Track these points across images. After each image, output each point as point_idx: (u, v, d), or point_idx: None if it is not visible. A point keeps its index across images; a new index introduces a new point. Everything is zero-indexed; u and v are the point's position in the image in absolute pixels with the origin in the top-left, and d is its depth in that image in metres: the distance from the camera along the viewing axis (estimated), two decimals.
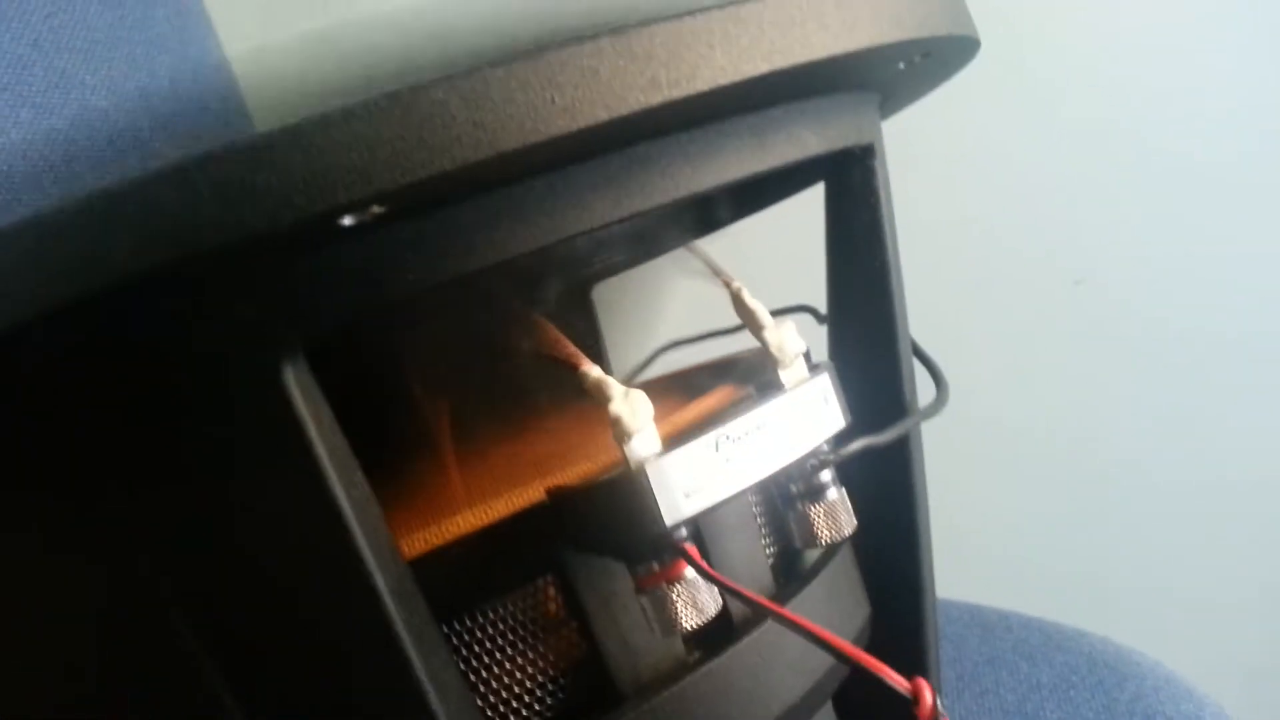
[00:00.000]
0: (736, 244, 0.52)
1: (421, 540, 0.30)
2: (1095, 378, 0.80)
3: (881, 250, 0.36)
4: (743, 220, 0.49)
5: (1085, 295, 0.79)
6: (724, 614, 0.33)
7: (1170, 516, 0.84)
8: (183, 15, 0.51)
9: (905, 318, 0.38)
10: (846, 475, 0.34)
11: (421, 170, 0.22)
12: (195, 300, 0.24)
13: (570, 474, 0.31)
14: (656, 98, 0.24)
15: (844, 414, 0.33)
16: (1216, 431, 0.82)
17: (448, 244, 0.25)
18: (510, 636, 0.32)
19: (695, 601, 0.29)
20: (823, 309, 0.41)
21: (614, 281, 0.57)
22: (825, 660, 0.35)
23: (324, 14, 0.58)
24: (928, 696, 0.25)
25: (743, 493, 0.29)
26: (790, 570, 0.38)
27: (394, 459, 0.36)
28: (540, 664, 0.32)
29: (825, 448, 0.32)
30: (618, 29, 0.23)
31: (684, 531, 0.29)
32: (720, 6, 0.25)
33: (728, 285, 0.33)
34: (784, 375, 0.32)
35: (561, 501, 0.30)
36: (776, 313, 0.44)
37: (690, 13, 0.24)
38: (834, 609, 0.36)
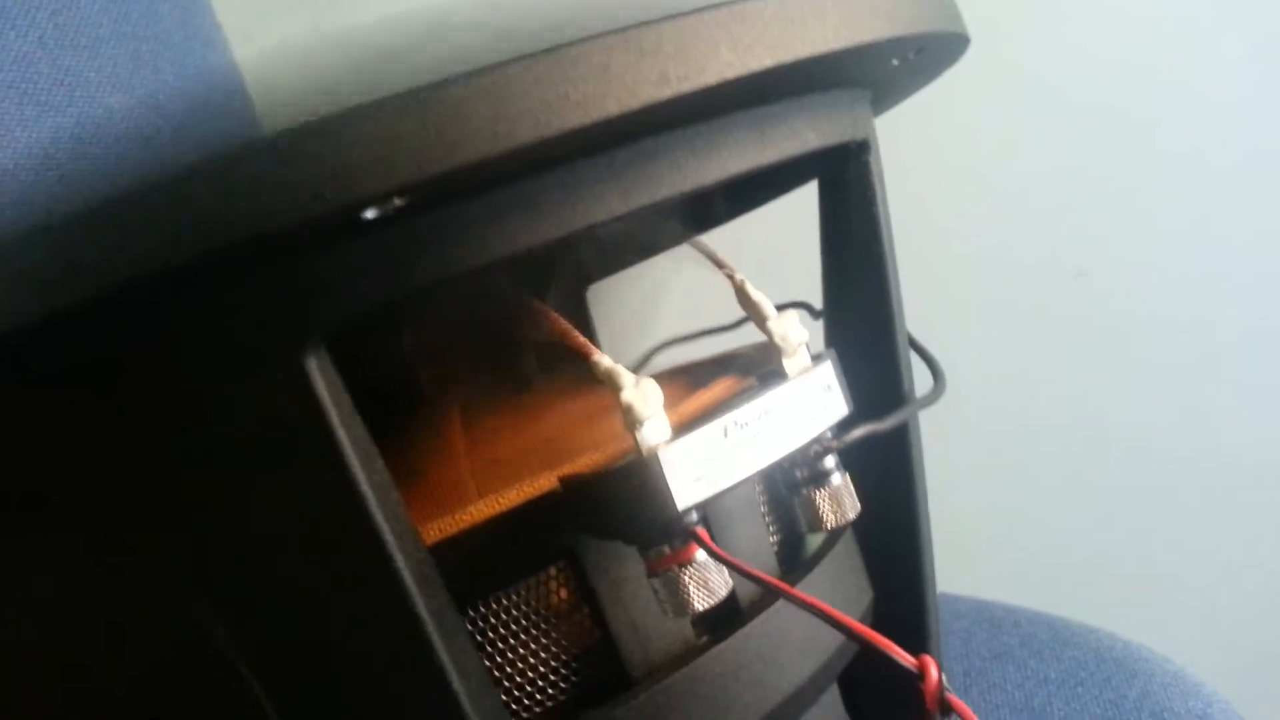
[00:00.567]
0: (729, 241, 0.53)
1: (437, 528, 0.31)
2: (1097, 370, 0.81)
3: (878, 244, 0.37)
4: (735, 219, 0.50)
5: (1087, 288, 0.80)
6: (731, 598, 0.34)
7: (1175, 509, 0.85)
8: (188, 13, 0.51)
9: (902, 309, 0.39)
10: (848, 463, 0.34)
11: (442, 163, 0.23)
12: (221, 293, 0.25)
13: (581, 462, 0.32)
14: (666, 92, 0.24)
15: (847, 401, 0.34)
16: (1221, 423, 0.83)
17: (464, 236, 0.26)
18: (524, 622, 0.33)
19: (707, 583, 0.30)
20: (816, 305, 0.42)
21: (608, 282, 0.57)
22: (832, 642, 0.35)
23: (331, 16, 0.59)
24: (933, 672, 0.25)
25: (751, 477, 0.30)
26: (793, 557, 0.38)
27: (403, 444, 0.37)
28: (553, 648, 0.33)
29: (829, 434, 0.33)
30: (627, 26, 0.24)
31: (694, 516, 0.30)
32: (725, 4, 0.26)
33: (730, 277, 0.34)
34: (788, 364, 0.33)
35: (574, 489, 0.31)
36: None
37: (697, 10, 0.25)
38: (838, 593, 0.37)
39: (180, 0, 0.51)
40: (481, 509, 0.31)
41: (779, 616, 0.34)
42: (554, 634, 0.33)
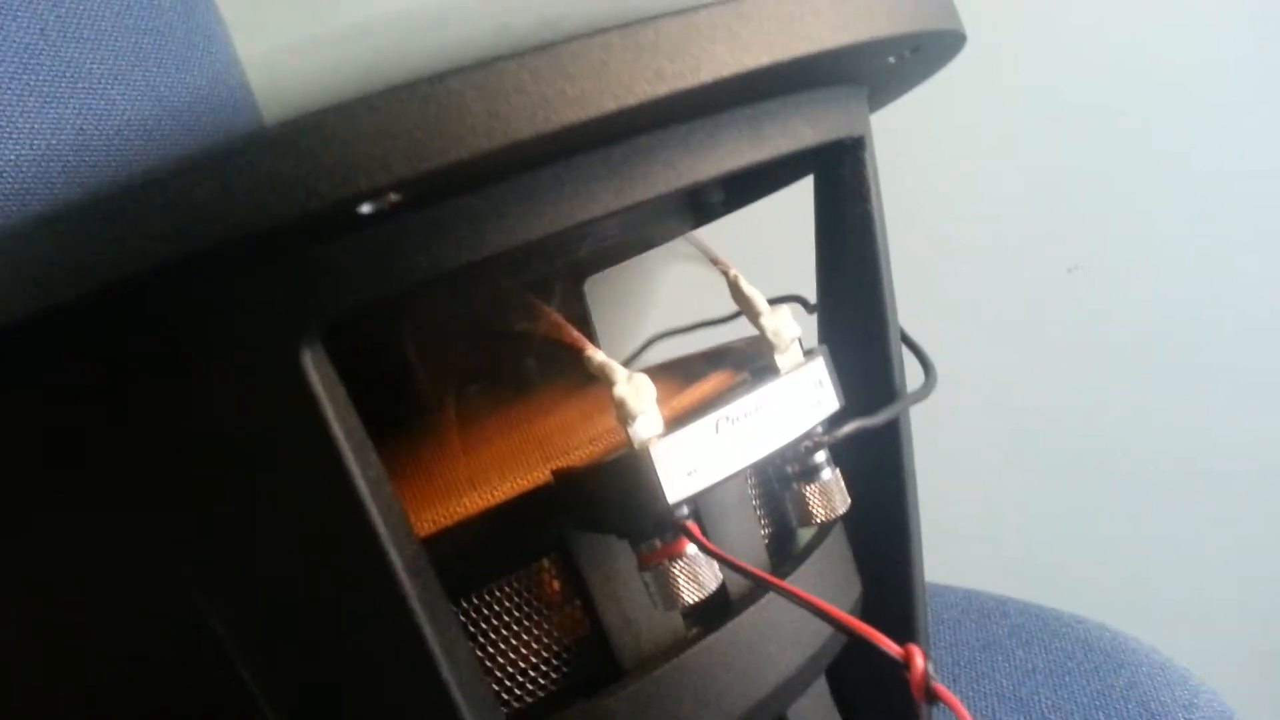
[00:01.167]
0: (723, 236, 0.53)
1: (430, 520, 0.31)
2: (1089, 364, 0.81)
3: (872, 240, 0.38)
4: (731, 213, 0.50)
5: (1078, 282, 0.80)
6: (721, 590, 0.34)
7: (1164, 502, 0.85)
8: (190, 7, 0.51)
9: (894, 306, 0.39)
10: (839, 458, 0.35)
11: (438, 158, 0.23)
12: (218, 287, 0.25)
13: (574, 455, 0.33)
14: (662, 89, 0.25)
15: (838, 397, 0.34)
16: (1210, 417, 0.83)
17: (459, 231, 0.26)
18: (516, 613, 0.33)
19: (696, 577, 0.30)
20: (810, 299, 0.42)
21: (605, 275, 0.58)
22: (820, 634, 0.36)
23: (332, 8, 0.59)
24: (919, 661, 0.26)
25: (742, 472, 0.30)
26: (783, 550, 0.39)
27: (400, 439, 0.37)
28: (544, 639, 0.33)
29: (820, 429, 0.33)
30: (625, 23, 0.24)
31: (685, 510, 0.30)
32: (722, 1, 0.26)
33: (725, 273, 0.34)
34: (780, 360, 0.33)
35: (566, 482, 0.31)
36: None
37: (694, 7, 0.25)
38: (826, 586, 0.37)
39: None
40: (475, 500, 0.31)
41: (768, 609, 0.35)
42: (545, 625, 0.33)
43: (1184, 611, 0.86)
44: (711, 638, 0.33)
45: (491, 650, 0.33)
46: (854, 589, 0.39)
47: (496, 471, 0.32)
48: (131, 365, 0.26)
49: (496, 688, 0.33)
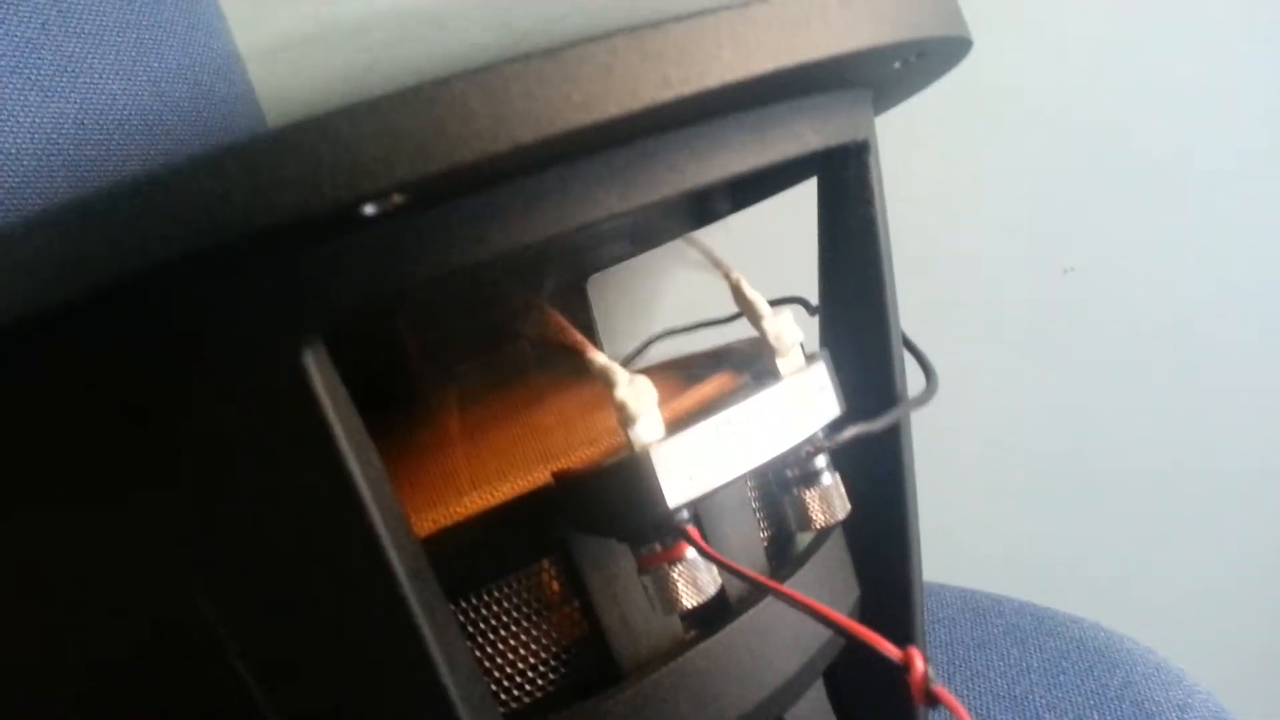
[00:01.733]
0: (727, 236, 0.53)
1: (430, 520, 0.31)
2: (1084, 365, 0.82)
3: (875, 244, 0.38)
4: (735, 214, 0.50)
5: (1074, 283, 0.80)
6: (721, 593, 0.34)
7: (1160, 502, 0.85)
8: (191, 1, 0.51)
9: (896, 310, 0.39)
10: (839, 461, 0.35)
11: (443, 161, 0.23)
12: (219, 286, 0.25)
13: (575, 457, 0.33)
14: (667, 94, 0.25)
15: (839, 402, 0.34)
16: (1206, 417, 0.84)
17: (462, 232, 0.26)
18: (515, 614, 0.33)
19: (695, 581, 0.30)
20: (812, 300, 0.42)
21: (608, 273, 0.58)
22: (818, 637, 0.36)
23: (334, 10, 0.59)
24: (919, 664, 0.26)
25: (743, 477, 0.30)
26: (783, 553, 0.39)
27: (400, 433, 0.37)
28: (543, 640, 0.33)
29: (820, 434, 0.33)
30: (632, 27, 0.24)
31: (685, 514, 0.30)
32: (728, 7, 0.26)
33: (727, 276, 0.34)
34: (781, 364, 0.33)
35: (567, 484, 0.31)
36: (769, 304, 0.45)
37: (700, 13, 0.25)
38: (825, 589, 0.37)
39: None
40: (474, 501, 0.31)
41: (767, 612, 0.35)
42: (544, 626, 0.33)
43: (1181, 612, 0.87)
44: (710, 641, 0.33)
45: (489, 650, 0.33)
46: (852, 592, 0.39)
47: (496, 470, 0.32)
48: (132, 364, 0.26)
49: (494, 688, 0.33)
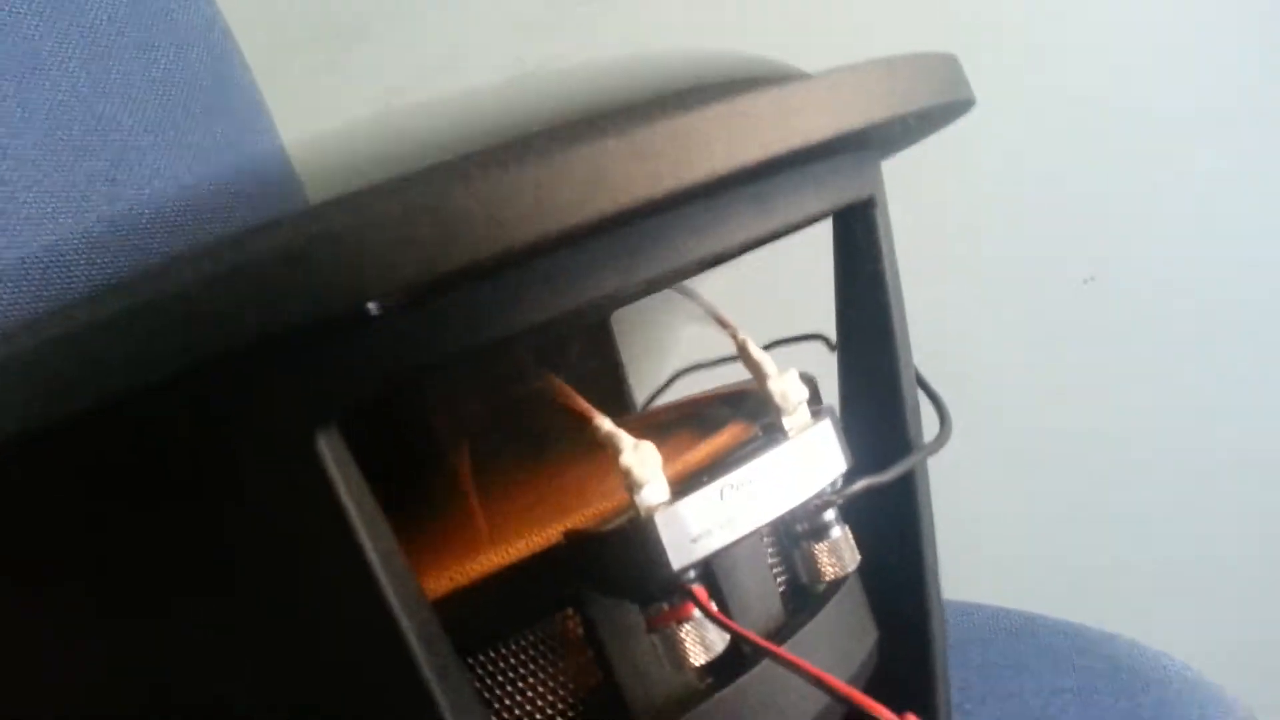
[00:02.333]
0: (750, 269, 0.54)
1: (447, 579, 0.32)
2: (1108, 373, 0.81)
3: (883, 295, 0.38)
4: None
5: (1095, 293, 0.80)
6: (734, 644, 0.35)
7: (1191, 511, 0.85)
8: (217, 59, 0.53)
9: (909, 357, 0.40)
10: (855, 509, 0.36)
11: (444, 265, 0.24)
12: (235, 387, 0.26)
13: (587, 514, 0.33)
14: (659, 189, 0.25)
15: (845, 458, 0.35)
16: (1233, 424, 0.83)
17: (466, 321, 0.27)
18: (531, 666, 0.34)
19: (703, 640, 0.31)
20: (833, 337, 0.43)
21: (632, 308, 0.58)
22: None
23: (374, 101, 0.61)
24: None
25: (747, 537, 0.31)
26: (802, 597, 0.39)
27: (422, 497, 0.38)
28: (559, 691, 0.34)
29: (828, 489, 0.34)
30: (622, 128, 0.25)
31: (692, 574, 0.31)
32: (721, 98, 0.27)
33: (734, 336, 0.35)
34: (787, 422, 0.34)
35: (577, 543, 0.32)
36: (788, 341, 0.46)
37: (691, 108, 0.26)
38: (840, 637, 0.38)
39: (209, 47, 0.52)
40: (489, 560, 0.32)
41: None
42: (559, 678, 0.34)
43: (1218, 625, 0.86)
44: (725, 691, 0.34)
45: (507, 701, 0.34)
46: (869, 635, 0.40)
47: (512, 530, 0.33)
48: (149, 467, 0.27)
49: None
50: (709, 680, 0.35)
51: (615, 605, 0.34)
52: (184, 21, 0.53)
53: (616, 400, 0.53)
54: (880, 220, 0.38)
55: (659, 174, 0.25)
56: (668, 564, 0.30)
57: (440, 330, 0.27)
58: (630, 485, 0.30)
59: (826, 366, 0.43)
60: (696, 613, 0.31)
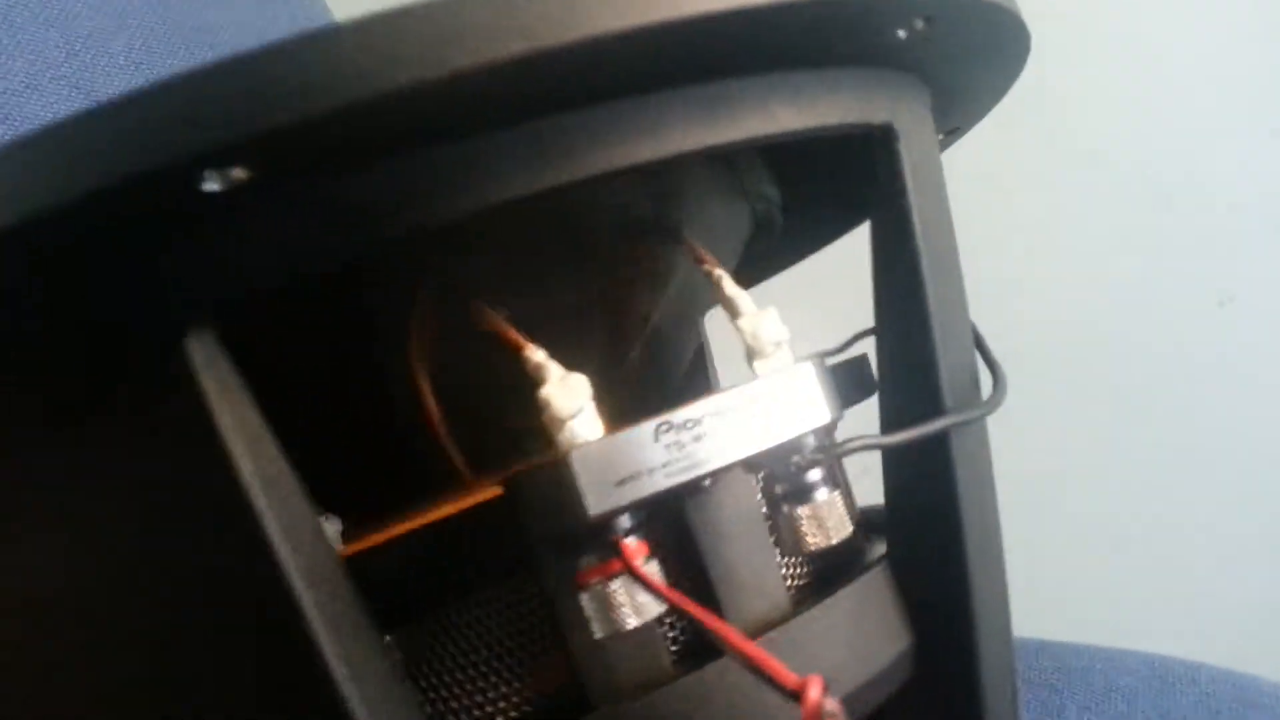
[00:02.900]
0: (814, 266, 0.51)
1: (368, 539, 0.29)
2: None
3: (911, 244, 0.33)
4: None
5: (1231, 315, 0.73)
6: None
7: None
8: None
9: (951, 312, 0.35)
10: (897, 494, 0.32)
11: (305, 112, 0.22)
12: (93, 266, 0.25)
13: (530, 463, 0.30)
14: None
15: (832, 408, 0.30)
16: None
17: (357, 210, 0.25)
18: (476, 640, 0.31)
19: (634, 601, 0.27)
20: None
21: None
22: (843, 676, 0.32)
23: None
24: (814, 692, 0.22)
25: (690, 484, 0.27)
26: (824, 586, 0.35)
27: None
28: (505, 672, 0.31)
29: (812, 443, 0.30)
30: None
31: (627, 522, 0.27)
32: None
33: (710, 272, 0.32)
34: (759, 366, 0.30)
35: (513, 492, 0.29)
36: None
37: None
38: (852, 635, 0.33)
39: None
40: (419, 517, 0.30)
41: (773, 646, 0.31)
42: (508, 655, 0.31)
43: None
44: (693, 676, 0.30)
45: (455, 676, 0.31)
46: (897, 641, 0.34)
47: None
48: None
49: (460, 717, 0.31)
50: (677, 665, 0.31)
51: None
52: None
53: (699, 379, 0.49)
54: (906, 153, 0.33)
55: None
56: (585, 509, 0.26)
57: (324, 220, 0.24)
58: (551, 421, 0.27)
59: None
60: (640, 564, 0.28)
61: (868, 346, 0.39)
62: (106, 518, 0.27)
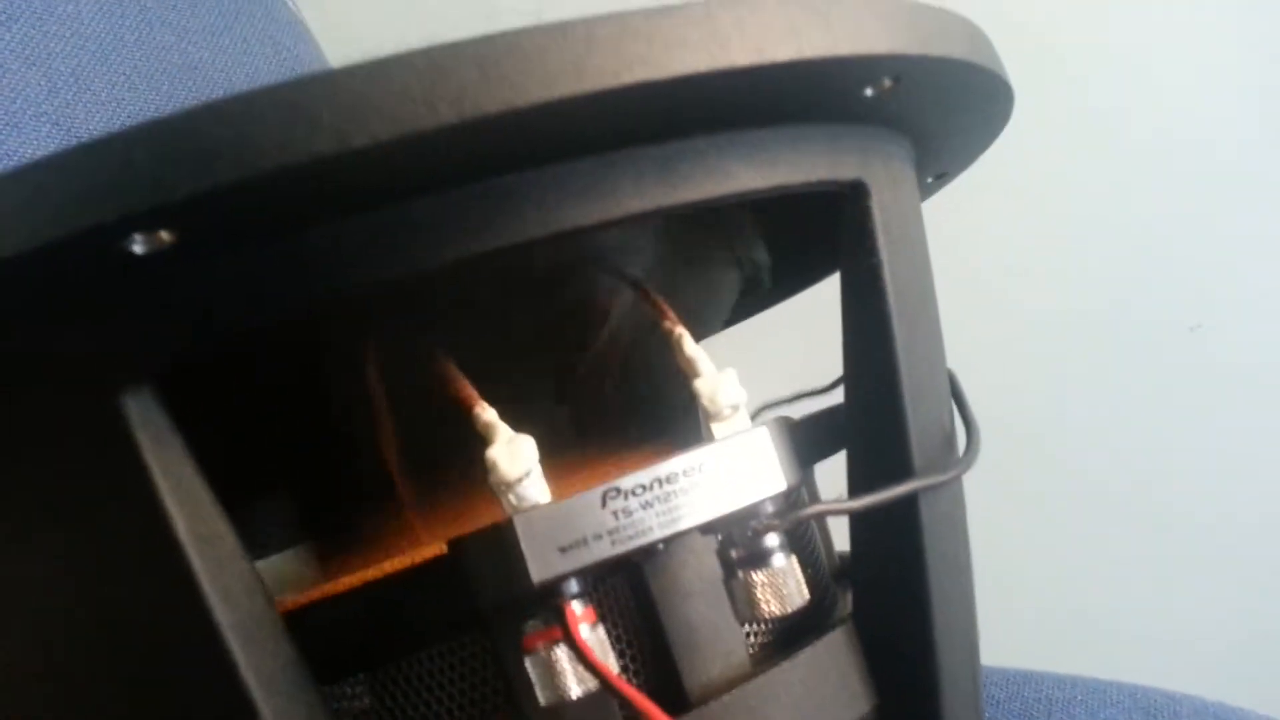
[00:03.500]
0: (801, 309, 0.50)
1: (308, 594, 0.29)
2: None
3: (880, 299, 0.33)
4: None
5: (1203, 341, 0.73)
6: (674, 683, 0.30)
7: None
8: None
9: (922, 373, 0.34)
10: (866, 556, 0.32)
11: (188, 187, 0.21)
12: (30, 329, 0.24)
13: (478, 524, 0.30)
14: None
15: (787, 474, 0.29)
16: None
17: (307, 266, 0.24)
18: (424, 695, 0.30)
19: (575, 670, 0.27)
20: None
21: (709, 343, 0.55)
22: None
23: None
24: None
25: (634, 552, 0.27)
26: (785, 648, 0.34)
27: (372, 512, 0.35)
28: None
29: (770, 510, 0.29)
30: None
31: (574, 587, 0.27)
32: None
33: (670, 330, 0.31)
34: (717, 429, 0.29)
35: (457, 554, 0.28)
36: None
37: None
38: (811, 697, 0.32)
39: None
40: (363, 574, 0.29)
41: (733, 709, 0.31)
42: (458, 711, 0.30)
43: None
44: None
45: None
46: (858, 703, 0.34)
47: (404, 546, 0.30)
48: None
49: None
50: None
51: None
52: None
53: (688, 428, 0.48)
54: (876, 210, 0.33)
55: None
56: (527, 575, 0.26)
57: (251, 278, 0.24)
58: (496, 482, 0.27)
59: None
60: (584, 630, 0.27)
61: None
62: (38, 556, 0.27)
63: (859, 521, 0.35)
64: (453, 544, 0.29)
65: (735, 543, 0.30)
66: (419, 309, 0.29)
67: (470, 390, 0.28)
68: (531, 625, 0.27)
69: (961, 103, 0.34)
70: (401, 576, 0.29)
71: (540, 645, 0.27)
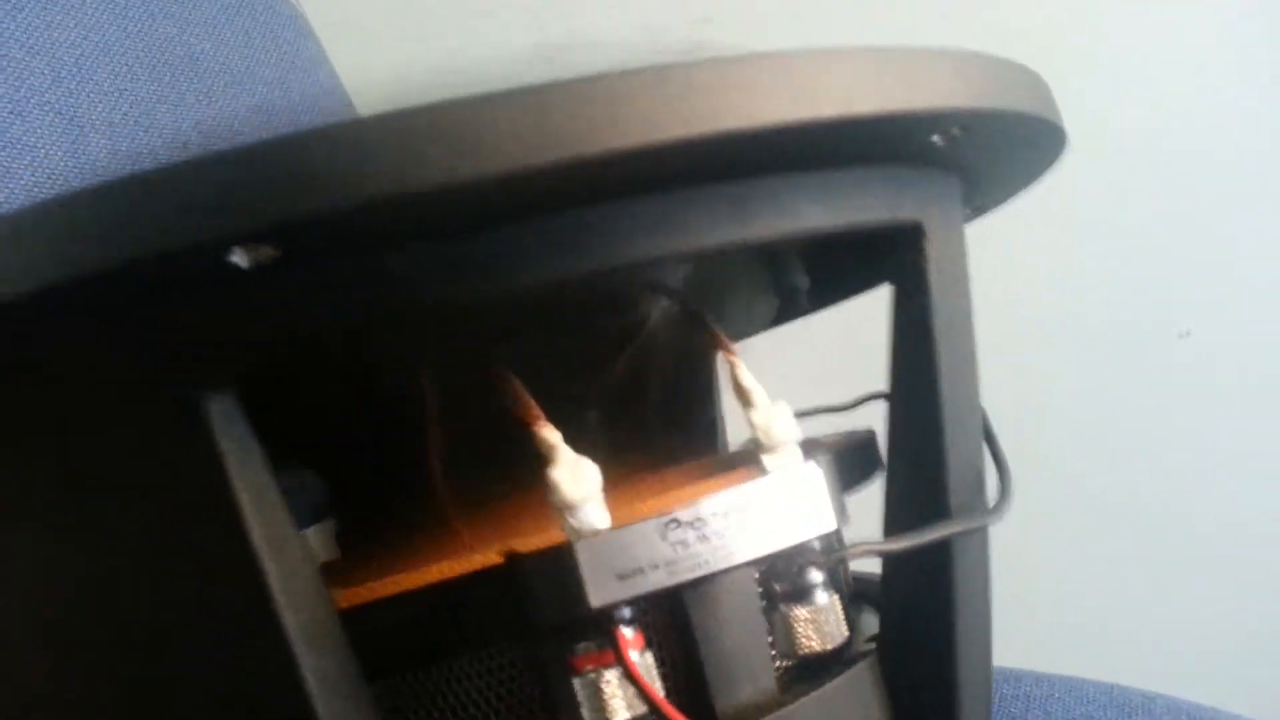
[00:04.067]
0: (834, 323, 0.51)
1: (367, 591, 0.29)
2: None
3: (928, 341, 0.33)
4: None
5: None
6: (707, 708, 0.31)
7: None
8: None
9: (966, 417, 0.35)
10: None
11: (298, 209, 0.22)
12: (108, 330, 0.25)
13: (535, 539, 0.30)
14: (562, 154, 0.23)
15: (836, 514, 0.30)
16: None
17: (340, 289, 0.25)
18: (465, 701, 0.31)
19: (626, 694, 0.27)
20: None
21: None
22: None
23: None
24: None
25: (688, 584, 0.27)
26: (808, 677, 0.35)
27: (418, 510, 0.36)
28: None
29: (815, 546, 0.30)
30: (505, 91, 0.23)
31: (627, 614, 0.27)
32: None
33: (728, 357, 0.32)
34: (768, 461, 0.30)
35: (514, 567, 0.29)
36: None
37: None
38: None
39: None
40: (422, 575, 0.30)
41: None
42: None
43: None
44: None
45: None
46: None
47: (476, 543, 0.31)
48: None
49: None
50: None
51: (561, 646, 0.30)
52: None
53: (707, 440, 0.49)
54: (932, 252, 0.33)
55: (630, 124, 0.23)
56: (585, 600, 0.26)
57: (312, 297, 0.25)
58: (557, 504, 0.27)
59: None
60: (633, 656, 0.28)
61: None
62: (111, 539, 0.28)
63: (891, 559, 0.35)
64: (509, 557, 0.29)
65: (779, 576, 0.30)
66: (489, 324, 0.30)
67: (535, 407, 0.29)
68: (584, 647, 0.28)
69: (1017, 148, 0.35)
70: (457, 583, 0.29)
71: (590, 667, 0.27)
